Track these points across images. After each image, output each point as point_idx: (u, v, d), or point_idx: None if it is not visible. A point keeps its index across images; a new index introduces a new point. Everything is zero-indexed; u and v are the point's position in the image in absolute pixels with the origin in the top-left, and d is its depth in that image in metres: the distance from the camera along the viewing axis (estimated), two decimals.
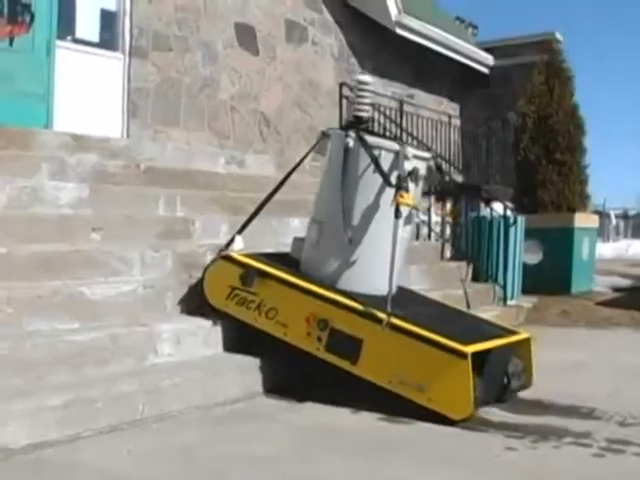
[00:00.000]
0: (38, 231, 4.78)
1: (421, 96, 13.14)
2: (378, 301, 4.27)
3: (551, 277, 9.17)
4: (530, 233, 8.88)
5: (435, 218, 8.97)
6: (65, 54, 7.90)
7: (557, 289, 9.16)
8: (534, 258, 9.32)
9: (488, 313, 7.17)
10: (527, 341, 4.71)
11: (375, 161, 4.41)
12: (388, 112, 10.50)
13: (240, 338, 4.62)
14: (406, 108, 11.28)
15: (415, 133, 10.67)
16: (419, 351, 4.07)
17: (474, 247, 8.32)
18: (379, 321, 4.17)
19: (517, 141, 10.97)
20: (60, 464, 3.19)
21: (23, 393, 3.50)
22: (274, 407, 4.17)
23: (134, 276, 4.84)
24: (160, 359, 4.27)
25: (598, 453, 3.50)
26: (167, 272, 5.01)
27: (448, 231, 8.99)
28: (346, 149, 4.46)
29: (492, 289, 7.97)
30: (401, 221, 4.35)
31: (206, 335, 4.55)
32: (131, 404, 3.75)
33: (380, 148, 4.46)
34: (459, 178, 10.56)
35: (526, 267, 8.68)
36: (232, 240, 4.96)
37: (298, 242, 4.88)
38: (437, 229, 8.90)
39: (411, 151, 4.51)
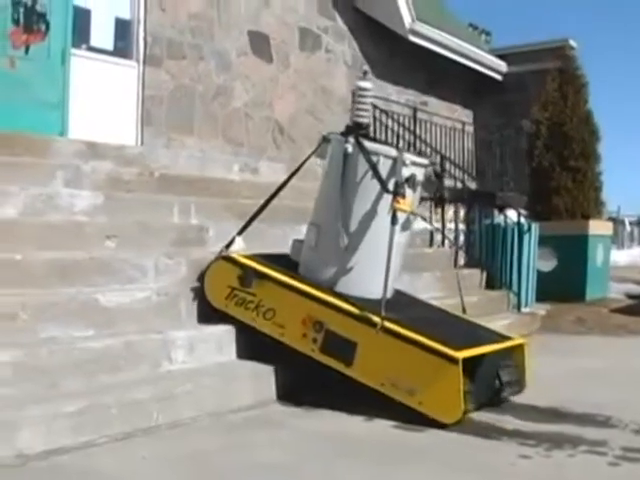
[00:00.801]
0: (53, 238, 4.80)
1: (434, 103, 13.13)
2: (373, 305, 4.31)
3: (565, 284, 9.12)
4: (544, 240, 8.84)
5: (449, 225, 8.96)
6: (80, 62, 7.93)
7: (571, 296, 9.12)
8: (548, 265, 9.29)
9: (502, 321, 7.16)
10: (521, 347, 4.74)
11: (373, 167, 4.46)
12: (402, 119, 10.51)
13: (253, 345, 4.62)
14: (420, 115, 11.28)
15: (429, 140, 10.68)
16: (411, 355, 4.14)
17: (488, 254, 8.29)
18: (373, 324, 4.22)
19: (531, 148, 10.94)
20: (75, 470, 3.20)
21: (38, 399, 3.51)
22: (287, 414, 4.17)
23: (148, 283, 4.86)
24: (174, 366, 4.27)
25: (613, 462, 3.48)
26: (181, 279, 5.01)
27: (462, 238, 8.97)
28: (345, 154, 4.52)
29: (506, 296, 7.95)
30: (398, 227, 4.39)
31: (219, 342, 4.56)
32: (145, 411, 3.76)
33: (378, 154, 4.50)
34: (473, 185, 10.53)
35: (540, 274, 8.65)
36: (232, 241, 5.01)
37: (297, 244, 4.94)
38: (451, 236, 8.88)
39: (409, 157, 4.55)
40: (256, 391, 4.34)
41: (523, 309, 8.04)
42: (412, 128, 10.61)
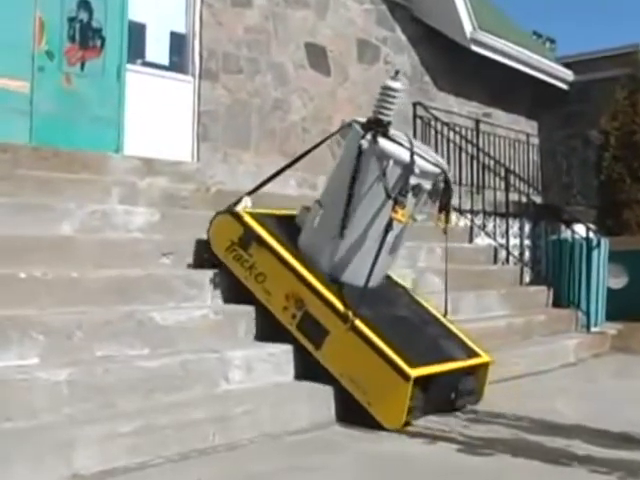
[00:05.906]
0: (109, 255, 4.79)
1: (498, 114, 12.86)
2: (356, 293, 4.51)
3: (637, 302, 8.77)
4: (614, 256, 8.54)
5: (513, 241, 8.73)
6: (135, 77, 7.93)
7: None
8: (619, 282, 8.97)
9: (570, 340, 7.04)
10: (485, 364, 4.86)
11: (383, 170, 4.55)
12: (464, 132, 10.29)
13: (311, 365, 4.54)
14: (482, 127, 11.06)
15: (492, 153, 10.43)
16: (371, 358, 4.33)
17: (555, 271, 8.07)
18: (345, 319, 4.42)
19: (599, 159, 10.67)
20: None
21: (94, 419, 3.50)
22: (346, 436, 4.11)
23: (205, 301, 4.83)
24: (231, 386, 4.22)
25: None
26: (238, 297, 4.92)
27: (527, 254, 8.74)
28: (360, 149, 4.63)
29: (574, 315, 7.71)
30: (393, 230, 4.58)
31: (277, 362, 4.50)
32: (201, 432, 3.72)
33: (390, 157, 4.58)
34: (538, 199, 10.27)
35: (610, 292, 8.36)
36: (240, 200, 5.13)
37: (304, 212, 5.06)
38: (516, 252, 8.65)
39: (420, 165, 4.58)
40: (314, 412, 4.27)
41: (592, 328, 7.77)
42: (475, 141, 10.39)
